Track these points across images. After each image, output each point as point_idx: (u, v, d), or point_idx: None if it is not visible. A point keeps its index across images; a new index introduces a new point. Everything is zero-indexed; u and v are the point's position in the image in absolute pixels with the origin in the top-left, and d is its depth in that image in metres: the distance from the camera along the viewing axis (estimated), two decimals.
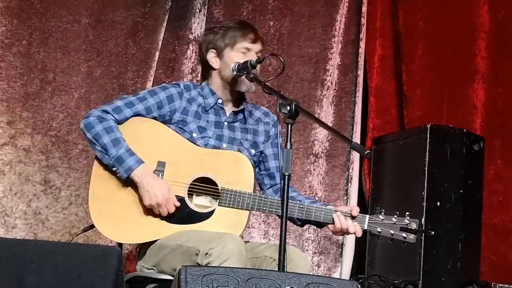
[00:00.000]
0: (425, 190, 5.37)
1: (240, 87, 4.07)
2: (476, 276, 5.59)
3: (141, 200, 3.86)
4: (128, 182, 3.87)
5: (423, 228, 3.86)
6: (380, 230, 3.84)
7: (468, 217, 5.54)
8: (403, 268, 5.47)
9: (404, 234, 3.83)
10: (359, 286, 3.43)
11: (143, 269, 3.94)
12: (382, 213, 3.86)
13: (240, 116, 4.16)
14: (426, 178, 5.38)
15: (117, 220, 3.86)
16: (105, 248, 3.59)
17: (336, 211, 3.87)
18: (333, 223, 3.86)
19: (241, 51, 4.07)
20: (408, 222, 3.83)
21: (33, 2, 5.38)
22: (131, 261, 5.05)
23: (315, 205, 3.89)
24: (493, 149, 6.07)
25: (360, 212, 3.90)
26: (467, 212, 5.53)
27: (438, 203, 5.40)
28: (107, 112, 3.94)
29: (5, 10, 5.31)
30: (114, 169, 3.86)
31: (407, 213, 3.86)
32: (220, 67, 4.11)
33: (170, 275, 3.81)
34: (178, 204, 3.85)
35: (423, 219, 5.32)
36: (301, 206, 3.86)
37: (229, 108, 4.14)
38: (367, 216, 3.87)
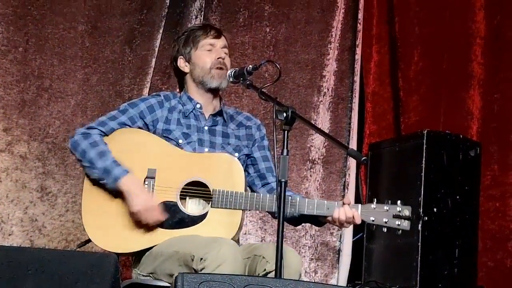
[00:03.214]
0: (422, 196, 5.36)
1: (211, 83, 4.09)
2: (473, 281, 5.59)
3: None
4: (119, 192, 3.88)
5: (415, 214, 3.86)
6: (373, 219, 3.83)
7: (465, 223, 5.55)
8: (400, 273, 5.46)
9: (397, 222, 3.82)
10: None
11: (139, 277, 3.94)
12: (374, 202, 3.86)
13: (220, 119, 4.18)
14: (423, 184, 5.38)
15: (111, 230, 3.87)
16: (101, 255, 3.59)
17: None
18: (327, 215, 3.85)
19: (206, 49, 4.13)
20: (400, 209, 3.83)
21: (29, 9, 5.38)
22: (127, 268, 5.04)
23: (307, 199, 3.89)
24: (489, 155, 6.08)
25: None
26: (464, 218, 5.54)
27: (435, 209, 5.40)
28: (91, 127, 3.99)
29: (1, 17, 5.31)
30: (102, 181, 3.87)
31: (399, 200, 3.86)
32: (191, 69, 4.16)
33: (167, 282, 3.81)
34: (161, 216, 3.86)
35: (420, 225, 5.32)
36: (293, 201, 3.85)
37: (208, 112, 4.16)
38: (360, 205, 3.87)
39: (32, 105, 5.36)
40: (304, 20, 6.05)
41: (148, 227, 3.86)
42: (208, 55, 4.11)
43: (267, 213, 4.30)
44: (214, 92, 4.14)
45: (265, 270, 3.74)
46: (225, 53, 4.15)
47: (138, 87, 5.57)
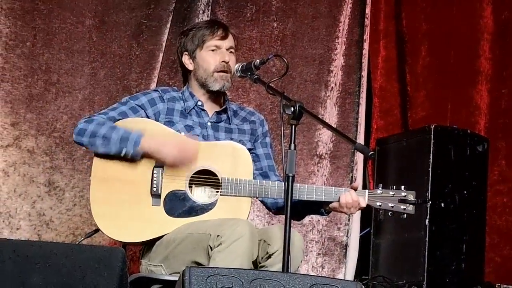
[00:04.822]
0: (429, 191, 5.37)
1: (213, 86, 4.10)
2: (480, 277, 5.60)
3: (142, 198, 3.88)
4: (128, 179, 3.89)
5: (420, 199, 4.01)
6: (380, 204, 3.94)
7: (472, 218, 5.55)
8: (407, 269, 5.47)
9: (403, 206, 3.93)
10: (363, 287, 3.44)
11: (150, 267, 3.95)
12: (380, 187, 3.96)
13: (224, 116, 4.18)
14: (430, 179, 5.39)
15: (121, 220, 3.87)
16: (109, 249, 3.59)
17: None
18: (334, 201, 3.92)
19: (211, 49, 4.11)
20: (405, 194, 3.94)
21: (37, 3, 5.38)
22: (135, 262, 5.05)
23: (315, 186, 3.96)
24: (497, 150, 6.08)
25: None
26: (471, 213, 5.54)
27: (443, 204, 5.41)
28: (93, 116, 3.99)
29: (9, 12, 5.31)
30: (122, 152, 3.85)
31: (403, 186, 3.95)
32: (194, 68, 4.15)
33: (177, 273, 3.80)
34: (197, 139, 3.90)
35: (427, 220, 5.32)
36: (302, 187, 3.91)
37: (211, 109, 4.16)
38: (367, 191, 3.96)
39: (39, 99, 5.36)
40: (312, 15, 6.04)
41: (158, 217, 3.87)
42: (213, 57, 4.10)
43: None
44: (217, 93, 4.15)
45: (267, 253, 3.76)
46: (231, 52, 4.14)
47: (146, 82, 5.57)
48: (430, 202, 5.24)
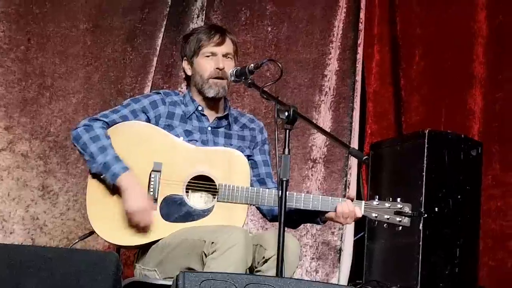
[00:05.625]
0: (423, 196, 5.36)
1: (208, 93, 4.10)
2: (474, 281, 5.59)
3: None
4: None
5: (416, 211, 4.03)
6: (376, 215, 3.96)
7: (466, 222, 5.54)
8: (401, 273, 5.46)
9: (398, 218, 3.95)
10: None
11: (144, 271, 3.95)
12: (376, 199, 3.98)
13: (225, 122, 4.19)
14: (424, 183, 5.38)
15: (117, 223, 3.87)
16: (103, 253, 3.59)
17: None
18: (330, 210, 3.92)
19: (206, 55, 4.12)
20: (401, 206, 3.96)
21: (31, 7, 5.38)
22: (129, 266, 5.04)
23: (312, 195, 3.96)
24: (491, 155, 6.08)
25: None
26: (465, 218, 5.53)
27: (436, 209, 5.40)
28: (95, 119, 3.99)
29: (3, 16, 5.31)
30: (102, 176, 3.87)
31: (398, 198, 3.98)
32: (192, 74, 4.16)
33: (171, 277, 3.80)
34: (153, 220, 3.86)
35: (421, 225, 5.32)
36: (298, 196, 3.91)
37: (212, 115, 4.17)
38: (363, 202, 3.97)
39: (33, 103, 5.36)
40: (306, 19, 6.05)
41: (154, 222, 3.87)
42: (208, 63, 4.11)
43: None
44: (213, 99, 4.15)
45: (264, 257, 3.77)
46: (228, 57, 4.14)
47: (140, 86, 5.57)
48: (426, 215, 5.23)
